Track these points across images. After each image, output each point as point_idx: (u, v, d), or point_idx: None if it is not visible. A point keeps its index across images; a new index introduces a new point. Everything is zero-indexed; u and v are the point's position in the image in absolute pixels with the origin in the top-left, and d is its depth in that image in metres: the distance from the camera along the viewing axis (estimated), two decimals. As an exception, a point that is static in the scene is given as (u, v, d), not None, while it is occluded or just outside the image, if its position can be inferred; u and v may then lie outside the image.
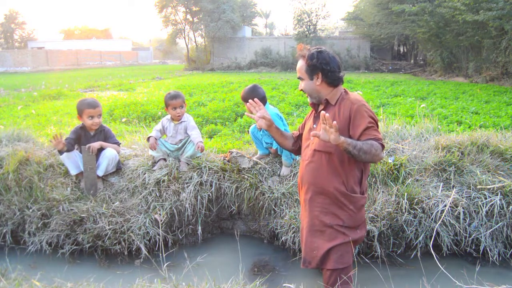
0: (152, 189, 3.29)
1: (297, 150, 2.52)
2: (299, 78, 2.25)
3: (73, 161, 3.32)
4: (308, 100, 2.30)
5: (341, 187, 2.13)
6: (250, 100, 2.29)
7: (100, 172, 3.34)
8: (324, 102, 2.21)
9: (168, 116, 3.48)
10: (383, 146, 2.02)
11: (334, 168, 2.13)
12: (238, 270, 2.15)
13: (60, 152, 3.26)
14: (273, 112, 3.21)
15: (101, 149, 3.36)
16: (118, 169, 3.49)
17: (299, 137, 2.48)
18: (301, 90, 2.26)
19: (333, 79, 2.14)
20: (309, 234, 2.24)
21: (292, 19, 33.05)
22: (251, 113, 2.35)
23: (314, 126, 2.27)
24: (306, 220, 2.26)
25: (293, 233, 3.01)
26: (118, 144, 3.52)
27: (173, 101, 3.34)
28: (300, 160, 2.47)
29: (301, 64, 2.20)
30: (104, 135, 3.44)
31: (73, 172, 3.35)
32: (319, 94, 2.19)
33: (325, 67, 2.11)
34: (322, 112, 1.91)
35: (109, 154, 3.35)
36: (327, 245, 2.15)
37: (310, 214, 2.24)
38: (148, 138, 3.42)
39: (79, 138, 3.37)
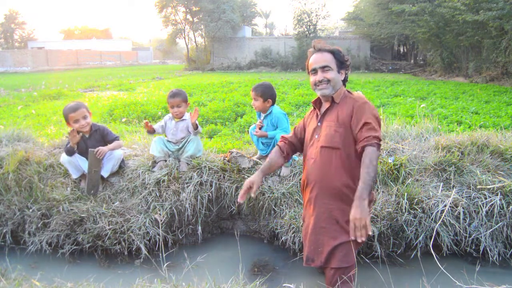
0: (152, 189, 3.29)
1: (292, 153, 2.54)
2: (324, 67, 2.24)
3: (74, 166, 3.30)
4: (319, 93, 2.30)
5: (349, 182, 2.18)
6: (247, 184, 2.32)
7: (105, 173, 3.34)
8: (330, 99, 2.29)
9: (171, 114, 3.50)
10: (378, 145, 2.06)
11: (341, 163, 2.18)
12: (238, 270, 2.15)
13: (69, 152, 3.24)
14: (281, 112, 3.36)
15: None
16: (121, 167, 3.50)
17: (291, 144, 2.51)
18: (329, 79, 2.24)
19: (346, 79, 2.35)
20: (314, 231, 2.25)
21: (292, 19, 33.02)
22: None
23: (319, 124, 2.31)
24: (312, 218, 2.28)
25: (293, 233, 3.01)
26: (117, 138, 3.47)
27: (170, 100, 3.38)
28: (303, 160, 2.48)
29: (327, 55, 2.27)
30: (100, 134, 3.38)
31: (74, 175, 3.35)
32: (338, 88, 2.29)
33: (349, 67, 2.34)
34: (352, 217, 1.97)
35: (117, 154, 3.40)
36: (333, 242, 2.18)
37: (316, 212, 2.25)
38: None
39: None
